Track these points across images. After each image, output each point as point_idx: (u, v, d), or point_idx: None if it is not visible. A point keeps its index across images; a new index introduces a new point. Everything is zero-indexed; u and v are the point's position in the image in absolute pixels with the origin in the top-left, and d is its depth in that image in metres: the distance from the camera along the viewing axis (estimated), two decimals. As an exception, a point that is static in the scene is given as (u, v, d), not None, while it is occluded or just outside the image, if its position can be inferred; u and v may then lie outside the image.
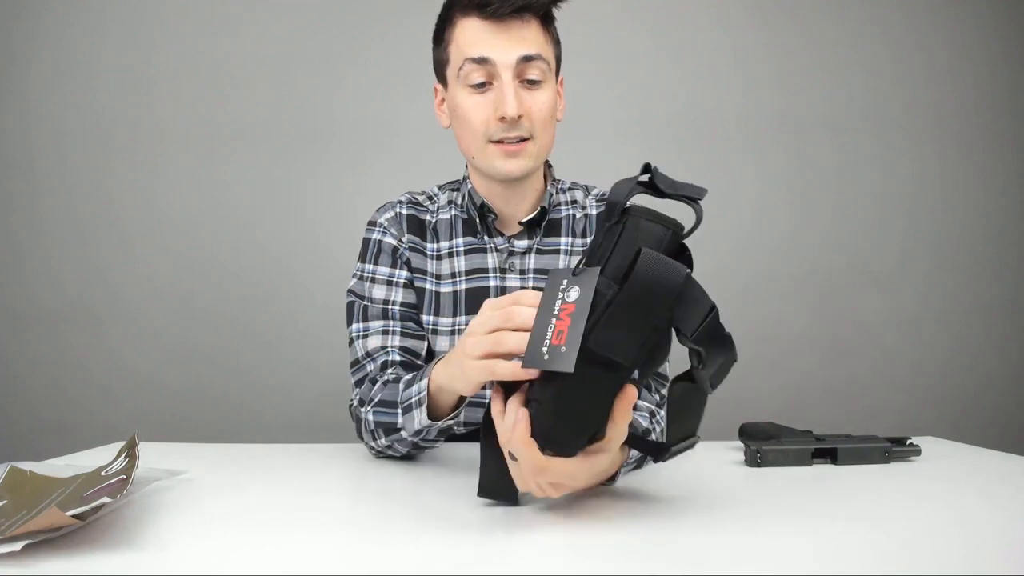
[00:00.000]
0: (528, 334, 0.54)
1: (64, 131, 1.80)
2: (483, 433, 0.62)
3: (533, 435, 0.55)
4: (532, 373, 0.53)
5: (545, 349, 0.52)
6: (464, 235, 0.97)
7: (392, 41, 1.80)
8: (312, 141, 1.81)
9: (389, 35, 1.81)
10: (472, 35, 0.85)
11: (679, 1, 1.85)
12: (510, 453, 0.57)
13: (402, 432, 0.78)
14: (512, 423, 0.55)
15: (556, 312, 0.53)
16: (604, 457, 0.60)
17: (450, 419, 0.75)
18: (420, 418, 0.74)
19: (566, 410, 0.55)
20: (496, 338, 0.57)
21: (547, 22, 0.89)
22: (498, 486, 0.61)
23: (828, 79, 1.85)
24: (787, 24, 1.86)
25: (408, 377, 0.80)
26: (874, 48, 1.86)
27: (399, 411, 0.78)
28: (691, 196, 0.55)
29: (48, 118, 1.80)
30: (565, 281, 0.54)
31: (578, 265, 0.55)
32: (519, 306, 0.57)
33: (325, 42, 1.81)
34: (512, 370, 0.56)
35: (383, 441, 0.82)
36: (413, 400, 0.75)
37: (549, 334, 0.52)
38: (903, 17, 1.87)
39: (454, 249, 0.97)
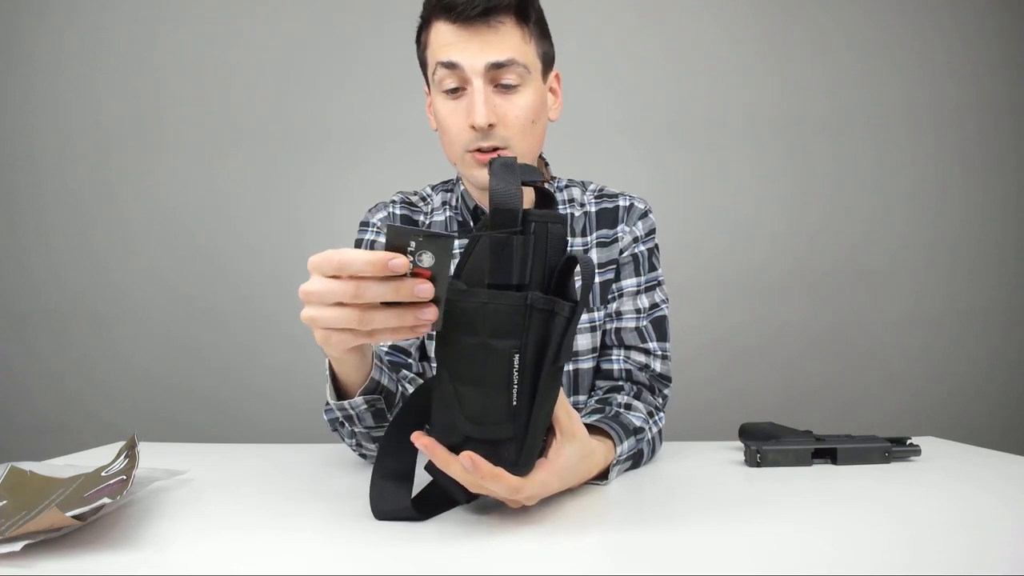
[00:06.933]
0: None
1: (66, 131, 1.80)
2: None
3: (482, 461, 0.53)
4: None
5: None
6: (459, 237, 0.95)
7: (389, 44, 1.80)
8: (315, 143, 1.81)
9: (387, 38, 1.81)
10: (442, 39, 0.81)
11: (679, 0, 1.85)
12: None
13: (336, 419, 0.73)
14: (462, 470, 0.53)
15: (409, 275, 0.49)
16: (569, 449, 0.59)
17: (357, 398, 0.69)
18: (328, 393, 0.70)
19: (488, 405, 0.52)
20: (359, 318, 0.50)
21: (523, 20, 0.81)
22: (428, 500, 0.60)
23: (828, 79, 1.85)
24: (788, 24, 1.85)
25: None
26: (874, 48, 1.86)
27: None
28: (535, 181, 0.55)
29: (50, 118, 1.80)
30: (413, 244, 0.48)
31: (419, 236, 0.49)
32: (367, 282, 0.49)
33: (325, 45, 1.81)
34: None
35: (346, 442, 0.78)
36: (326, 375, 0.71)
37: None
38: (903, 17, 1.87)
39: None
